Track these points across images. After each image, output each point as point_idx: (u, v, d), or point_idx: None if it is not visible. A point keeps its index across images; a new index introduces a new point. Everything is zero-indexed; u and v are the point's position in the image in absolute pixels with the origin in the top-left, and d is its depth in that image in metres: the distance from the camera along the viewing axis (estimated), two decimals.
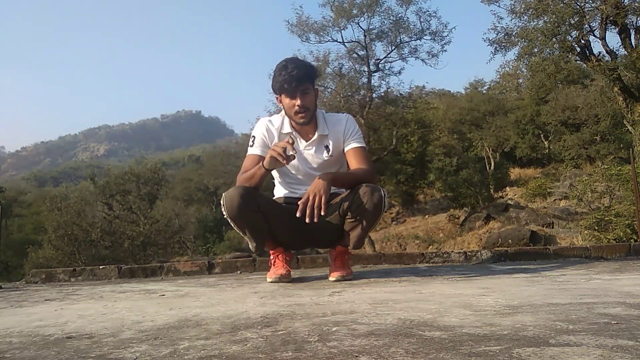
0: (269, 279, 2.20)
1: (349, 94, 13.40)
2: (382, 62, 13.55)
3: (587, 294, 1.47)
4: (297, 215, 1.93)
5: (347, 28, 13.30)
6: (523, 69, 14.74)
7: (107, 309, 1.58)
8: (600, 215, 8.66)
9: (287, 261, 2.26)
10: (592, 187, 9.69)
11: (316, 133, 2.22)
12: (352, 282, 2.09)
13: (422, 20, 13.00)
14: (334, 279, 2.15)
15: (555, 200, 14.32)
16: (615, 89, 11.63)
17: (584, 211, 10.18)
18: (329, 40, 13.38)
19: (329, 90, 13.67)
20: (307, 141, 2.23)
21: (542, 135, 21.59)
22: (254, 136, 2.30)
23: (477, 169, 17.43)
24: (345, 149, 2.23)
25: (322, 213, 1.94)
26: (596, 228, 8.61)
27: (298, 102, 2.14)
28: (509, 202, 15.21)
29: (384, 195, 2.04)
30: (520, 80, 24.04)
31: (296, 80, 2.12)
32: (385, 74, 13.67)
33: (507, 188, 18.25)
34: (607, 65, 10.93)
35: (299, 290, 1.86)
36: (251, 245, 2.15)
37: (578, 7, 10.44)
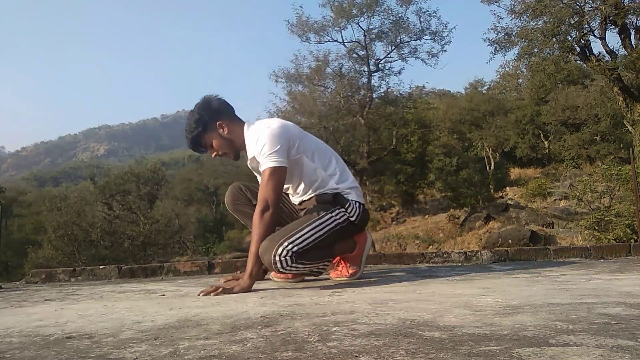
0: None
1: (349, 94, 13.42)
2: (382, 62, 13.58)
3: (587, 294, 1.46)
4: (201, 295, 1.82)
5: (347, 28, 13.34)
6: (523, 69, 14.77)
7: (107, 309, 1.58)
8: (600, 215, 8.66)
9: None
10: (592, 187, 9.70)
11: (248, 156, 2.11)
12: (352, 282, 2.09)
13: (422, 20, 13.03)
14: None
15: (555, 200, 14.33)
16: (615, 89, 11.63)
17: (584, 211, 10.18)
18: (329, 40, 13.41)
19: (329, 90, 13.68)
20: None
21: (542, 135, 21.60)
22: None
23: (477, 169, 17.43)
24: None
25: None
26: (596, 228, 8.61)
27: (212, 156, 2.15)
28: (509, 202, 15.22)
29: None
30: (520, 80, 24.09)
31: (192, 148, 2.14)
32: (385, 74, 13.70)
33: (507, 188, 18.25)
34: (607, 65, 10.93)
35: (299, 290, 1.86)
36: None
37: (578, 7, 10.44)
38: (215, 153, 2.13)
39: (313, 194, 2.13)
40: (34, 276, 2.88)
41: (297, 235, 1.94)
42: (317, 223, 2.01)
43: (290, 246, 1.89)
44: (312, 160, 2.10)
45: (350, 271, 2.22)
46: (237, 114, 2.17)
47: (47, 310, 1.61)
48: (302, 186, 2.14)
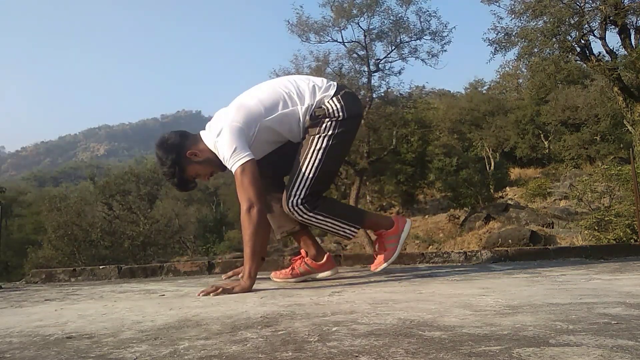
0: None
1: None
2: (382, 62, 13.55)
3: (587, 294, 1.46)
4: (200, 295, 1.81)
5: (347, 28, 13.30)
6: (523, 69, 14.76)
7: (107, 309, 1.58)
8: (600, 215, 8.66)
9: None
10: (592, 187, 9.70)
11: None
12: (352, 282, 2.09)
13: (422, 20, 13.00)
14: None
15: (555, 200, 14.34)
16: (615, 89, 11.63)
17: (584, 211, 10.19)
18: (329, 40, 13.39)
19: None
20: None
21: (542, 135, 21.61)
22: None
23: (477, 169, 17.44)
24: None
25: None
26: (596, 228, 8.62)
27: (205, 180, 2.18)
28: (509, 202, 15.23)
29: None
30: (520, 80, 24.09)
31: (183, 189, 2.16)
32: (385, 74, 13.67)
33: (507, 188, 18.26)
34: (607, 65, 10.93)
35: (299, 290, 1.86)
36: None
37: (578, 7, 10.44)
38: (206, 177, 2.14)
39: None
40: (34, 276, 2.88)
41: (299, 179, 1.99)
42: (308, 155, 2.03)
43: (297, 191, 1.94)
44: (271, 117, 2.03)
45: (386, 249, 2.19)
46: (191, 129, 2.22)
47: (47, 310, 1.61)
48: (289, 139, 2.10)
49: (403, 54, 13.46)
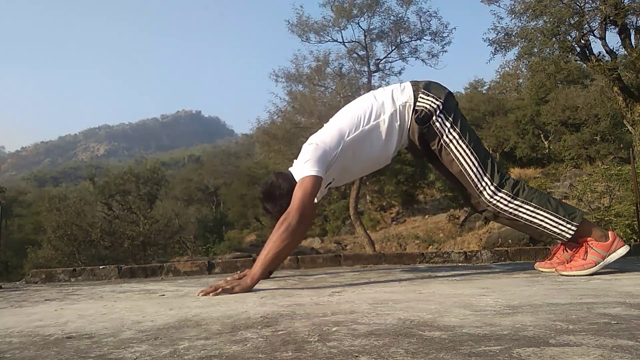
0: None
1: (349, 94, 13.40)
2: (382, 62, 13.56)
3: (587, 294, 1.46)
4: (200, 295, 1.79)
5: (347, 28, 13.31)
6: (523, 69, 14.74)
7: (107, 309, 1.58)
8: (600, 215, 8.66)
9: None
10: (592, 187, 9.70)
11: None
12: (352, 282, 2.09)
13: (422, 20, 13.01)
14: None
15: None
16: (615, 89, 11.63)
17: (584, 211, 10.18)
18: (329, 40, 13.39)
19: (329, 90, 13.67)
20: None
21: (542, 135, 21.62)
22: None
23: None
24: None
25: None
26: None
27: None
28: None
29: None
30: (520, 80, 24.07)
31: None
32: (386, 74, 13.68)
33: None
34: (607, 65, 10.94)
35: (299, 290, 1.86)
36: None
37: (578, 7, 10.44)
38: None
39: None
40: (34, 276, 2.88)
41: (472, 174, 1.94)
42: (455, 154, 1.98)
43: (482, 183, 1.90)
44: (353, 136, 2.00)
45: (587, 259, 1.93)
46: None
47: (47, 310, 1.61)
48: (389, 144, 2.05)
49: (403, 54, 13.47)
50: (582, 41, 11.04)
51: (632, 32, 11.08)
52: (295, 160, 2.11)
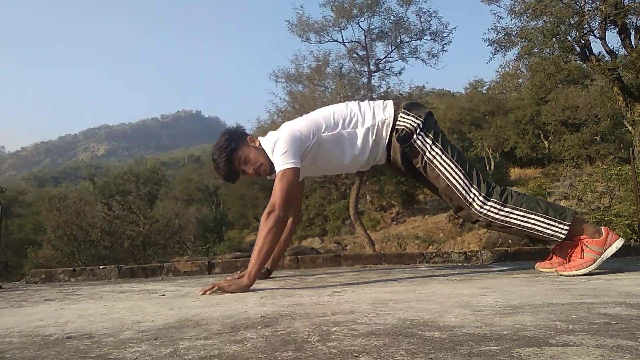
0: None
1: (349, 94, 13.39)
2: (382, 62, 13.54)
3: (587, 294, 1.46)
4: (200, 294, 1.81)
5: (347, 28, 13.29)
6: (523, 69, 14.74)
7: (107, 309, 1.58)
8: (600, 215, 8.66)
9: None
10: (592, 187, 9.70)
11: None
12: (352, 282, 2.09)
13: (422, 20, 12.98)
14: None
15: (555, 200, 14.30)
16: (615, 89, 11.63)
17: (584, 211, 10.18)
18: (329, 40, 13.37)
19: (329, 90, 13.67)
20: None
21: (542, 135, 21.62)
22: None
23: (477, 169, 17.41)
24: None
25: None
26: None
27: (250, 172, 2.11)
28: None
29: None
30: (520, 80, 24.07)
31: (226, 172, 2.11)
32: (386, 74, 13.65)
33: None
34: (607, 65, 10.94)
35: (299, 290, 1.86)
36: None
37: (578, 7, 10.44)
38: (253, 168, 2.09)
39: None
40: (34, 276, 2.88)
41: (458, 186, 1.97)
42: (440, 169, 2.01)
43: (470, 193, 1.93)
44: (330, 134, 2.06)
45: (584, 257, 1.93)
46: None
47: (47, 310, 1.61)
48: (363, 154, 2.09)
49: (403, 54, 13.45)
50: (582, 41, 11.04)
51: (632, 32, 11.08)
52: (270, 133, 2.13)
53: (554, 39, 10.68)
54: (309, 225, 22.26)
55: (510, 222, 1.96)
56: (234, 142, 2.07)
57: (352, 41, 13.29)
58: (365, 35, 13.15)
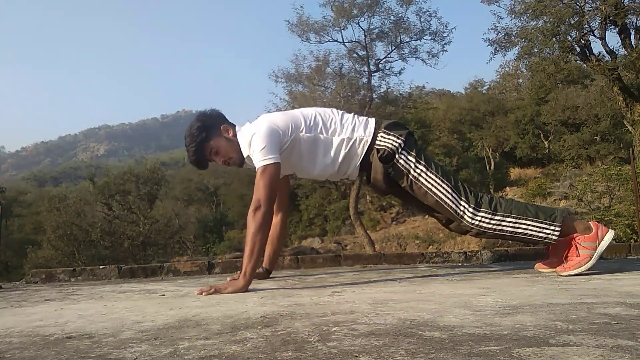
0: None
1: (349, 94, 13.40)
2: (382, 62, 13.54)
3: (587, 294, 1.46)
4: (197, 294, 1.80)
5: (347, 28, 13.29)
6: (523, 69, 14.75)
7: (107, 309, 1.58)
8: (600, 215, 8.67)
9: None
10: (592, 187, 9.71)
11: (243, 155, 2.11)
12: (352, 282, 2.09)
13: (422, 20, 12.99)
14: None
15: (555, 200, 14.33)
16: (615, 89, 11.64)
17: (584, 211, 10.18)
18: (329, 40, 13.38)
19: (329, 90, 13.67)
20: None
21: (542, 135, 21.63)
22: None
23: (477, 169, 17.45)
24: None
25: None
26: None
27: (220, 163, 2.11)
28: None
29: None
30: (520, 80, 24.10)
31: (196, 159, 2.10)
32: (386, 74, 13.66)
33: (507, 188, 18.26)
34: (607, 65, 10.94)
35: (298, 290, 1.86)
36: None
37: (578, 7, 10.44)
38: (222, 160, 2.09)
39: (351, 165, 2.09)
40: (34, 276, 2.88)
41: (447, 201, 1.96)
42: (427, 186, 2.01)
43: (459, 206, 1.92)
44: (308, 135, 2.05)
45: (580, 255, 1.94)
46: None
47: (47, 310, 1.61)
48: (333, 163, 2.07)
49: (403, 54, 13.46)
50: (582, 41, 11.05)
51: (632, 32, 11.09)
52: (246, 124, 2.10)
53: (554, 39, 10.68)
54: (309, 225, 22.26)
55: (503, 230, 1.96)
56: (206, 132, 2.05)
57: (352, 41, 13.30)
58: (365, 35, 13.16)
